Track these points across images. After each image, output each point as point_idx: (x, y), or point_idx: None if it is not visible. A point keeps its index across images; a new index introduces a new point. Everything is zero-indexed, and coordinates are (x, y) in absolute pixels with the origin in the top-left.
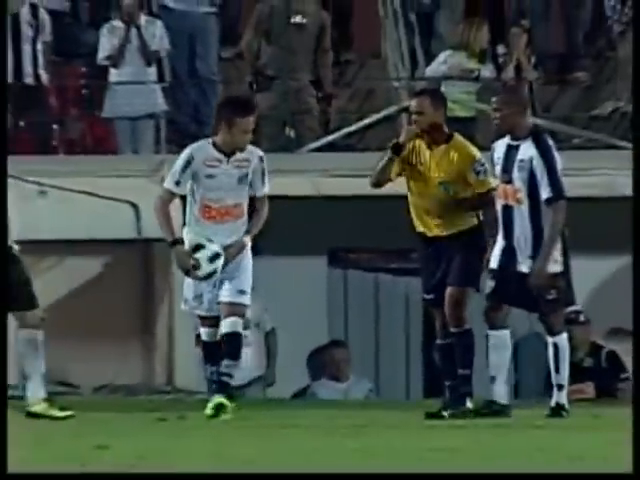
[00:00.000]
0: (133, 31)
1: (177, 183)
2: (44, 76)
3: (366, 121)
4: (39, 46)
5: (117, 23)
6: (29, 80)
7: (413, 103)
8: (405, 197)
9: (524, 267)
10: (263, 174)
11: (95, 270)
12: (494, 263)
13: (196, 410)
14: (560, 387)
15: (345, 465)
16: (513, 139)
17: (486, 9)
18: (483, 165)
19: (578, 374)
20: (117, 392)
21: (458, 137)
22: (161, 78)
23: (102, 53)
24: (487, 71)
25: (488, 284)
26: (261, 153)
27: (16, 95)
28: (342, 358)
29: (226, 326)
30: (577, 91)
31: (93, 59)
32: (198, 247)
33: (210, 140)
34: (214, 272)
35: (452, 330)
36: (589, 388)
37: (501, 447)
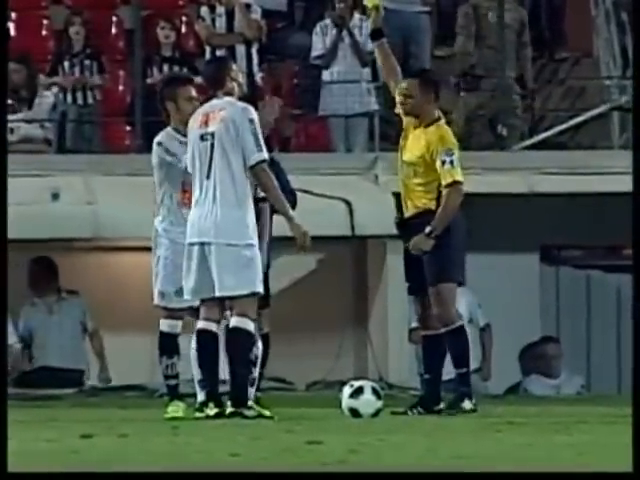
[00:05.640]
0: (346, 31)
1: None
2: (258, 75)
3: (578, 119)
4: (254, 45)
5: (330, 23)
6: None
7: (403, 85)
8: (619, 195)
9: None
10: None
11: (309, 267)
12: None
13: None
14: None
15: (556, 461)
16: None
17: None
18: (451, 155)
19: None
20: (330, 388)
21: (440, 124)
22: (375, 77)
23: (314, 52)
24: None
25: None
26: None
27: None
28: (554, 354)
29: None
30: None
31: (307, 58)
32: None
33: (169, 128)
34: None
35: (442, 330)
36: None
37: None
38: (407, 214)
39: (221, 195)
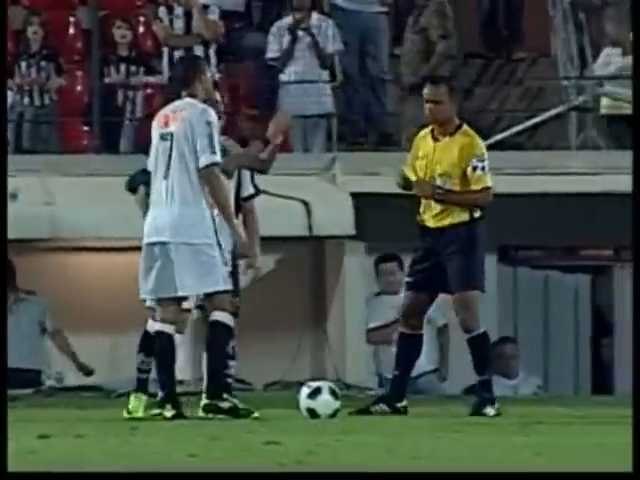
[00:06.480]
0: (305, 32)
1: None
2: (216, 76)
3: (536, 119)
4: (212, 46)
5: (286, 24)
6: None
7: (428, 91)
8: (577, 195)
9: None
10: None
11: (267, 267)
12: None
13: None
14: None
15: (514, 461)
16: None
17: None
18: (483, 162)
19: None
20: (288, 389)
21: (466, 129)
22: (333, 77)
23: (269, 54)
24: None
25: None
26: None
27: None
28: (511, 354)
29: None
30: None
31: (264, 58)
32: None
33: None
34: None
35: (467, 336)
36: None
37: None
38: (439, 225)
39: (179, 195)
